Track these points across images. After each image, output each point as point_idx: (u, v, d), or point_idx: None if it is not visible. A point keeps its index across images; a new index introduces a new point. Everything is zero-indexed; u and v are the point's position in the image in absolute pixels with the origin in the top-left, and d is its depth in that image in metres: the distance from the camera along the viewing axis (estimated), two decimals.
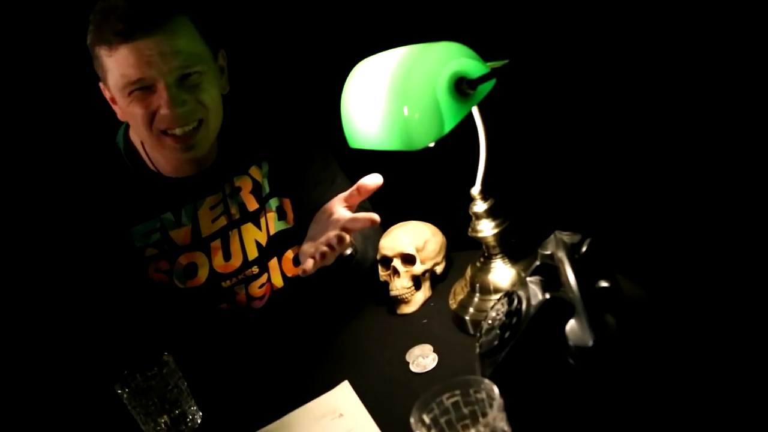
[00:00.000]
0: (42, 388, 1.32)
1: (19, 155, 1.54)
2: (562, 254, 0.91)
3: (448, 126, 0.95)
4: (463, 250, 1.29)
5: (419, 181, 1.62)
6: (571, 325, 0.85)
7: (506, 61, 0.96)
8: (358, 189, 1.07)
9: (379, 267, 1.24)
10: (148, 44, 1.10)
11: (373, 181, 1.06)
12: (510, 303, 0.94)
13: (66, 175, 1.28)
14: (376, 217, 1.03)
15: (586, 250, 0.92)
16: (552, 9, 1.36)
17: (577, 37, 1.36)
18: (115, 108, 1.21)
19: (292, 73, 1.68)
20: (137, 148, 1.29)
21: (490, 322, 0.96)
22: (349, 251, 1.21)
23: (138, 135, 1.26)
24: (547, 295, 0.89)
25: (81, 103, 1.45)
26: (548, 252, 0.95)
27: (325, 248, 1.03)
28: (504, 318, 0.93)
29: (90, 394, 1.19)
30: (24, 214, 1.43)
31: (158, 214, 1.28)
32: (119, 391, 1.07)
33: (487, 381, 0.79)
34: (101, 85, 1.20)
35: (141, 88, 1.14)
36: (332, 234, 1.03)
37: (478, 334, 0.97)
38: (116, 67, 1.13)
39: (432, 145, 0.97)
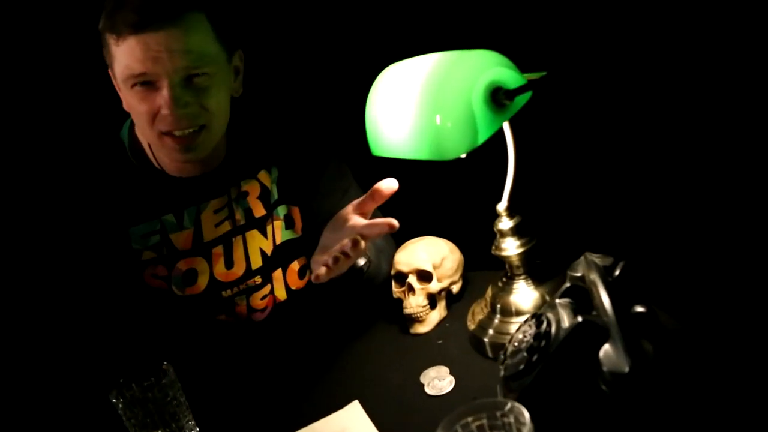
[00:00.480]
0: (30, 394, 1.29)
1: (18, 146, 1.53)
2: (594, 276, 0.92)
3: (482, 137, 0.96)
4: (480, 269, 1.30)
5: (436, 194, 1.62)
6: (606, 349, 0.85)
7: (543, 74, 0.98)
8: (372, 195, 1.07)
9: (393, 283, 1.24)
10: (157, 39, 1.10)
11: (388, 185, 1.05)
12: (538, 325, 0.94)
13: (64, 168, 1.28)
14: (394, 222, 1.02)
15: (619, 274, 0.93)
16: (592, 21, 1.37)
17: (616, 55, 1.38)
18: (122, 97, 1.21)
19: (309, 77, 1.69)
20: (142, 145, 1.28)
21: (516, 344, 0.96)
22: (362, 261, 1.21)
23: (139, 131, 1.25)
24: (579, 318, 0.89)
25: (86, 94, 1.44)
26: (579, 274, 0.96)
27: (339, 254, 1.03)
28: (532, 340, 0.93)
29: (82, 402, 1.17)
30: (17, 208, 1.41)
31: (159, 215, 1.27)
32: (114, 401, 1.05)
33: (516, 404, 0.79)
34: (110, 71, 1.20)
35: (144, 84, 1.14)
36: (347, 240, 1.03)
37: (502, 357, 0.97)
38: (122, 57, 1.13)
39: (463, 156, 0.97)
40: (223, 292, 1.32)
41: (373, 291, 1.28)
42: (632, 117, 1.41)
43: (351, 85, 1.12)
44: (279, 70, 1.65)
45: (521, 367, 0.91)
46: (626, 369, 0.82)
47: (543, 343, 0.91)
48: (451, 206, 1.60)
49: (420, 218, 1.31)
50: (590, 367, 0.86)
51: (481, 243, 1.22)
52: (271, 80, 1.52)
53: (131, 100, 1.17)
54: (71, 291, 1.26)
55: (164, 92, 1.13)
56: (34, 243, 1.29)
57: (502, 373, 0.95)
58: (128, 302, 1.27)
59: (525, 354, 0.92)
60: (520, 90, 0.95)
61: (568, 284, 0.96)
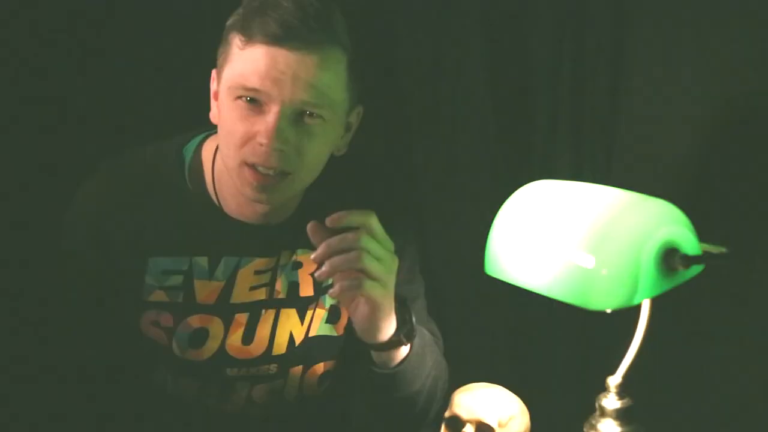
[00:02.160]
0: None
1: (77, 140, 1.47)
2: None
3: (640, 298, 0.93)
4: None
5: (520, 337, 1.55)
6: None
7: (724, 250, 0.96)
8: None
9: (444, 428, 1.17)
10: (287, 59, 1.07)
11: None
12: None
13: (110, 167, 1.23)
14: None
15: None
16: None
17: None
18: (213, 105, 1.17)
19: (416, 160, 1.65)
20: (203, 168, 1.22)
21: None
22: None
23: (221, 149, 1.19)
24: None
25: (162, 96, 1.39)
26: None
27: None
28: None
29: None
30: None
31: (192, 254, 1.19)
32: None
33: None
34: (214, 72, 1.16)
35: (251, 101, 1.10)
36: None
37: None
38: (240, 63, 1.09)
39: (609, 311, 0.94)
40: (228, 370, 1.23)
41: (405, 408, 1.19)
42: None
43: (471, 189, 1.09)
44: (386, 140, 1.61)
45: None
46: None
47: None
48: (536, 357, 1.54)
49: (493, 358, 1.25)
50: None
51: (554, 412, 1.18)
52: (372, 148, 1.48)
53: (228, 114, 1.12)
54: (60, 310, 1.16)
55: (269, 118, 1.08)
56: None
57: None
58: (118, 345, 1.18)
59: None
60: (698, 259, 0.93)
61: None
